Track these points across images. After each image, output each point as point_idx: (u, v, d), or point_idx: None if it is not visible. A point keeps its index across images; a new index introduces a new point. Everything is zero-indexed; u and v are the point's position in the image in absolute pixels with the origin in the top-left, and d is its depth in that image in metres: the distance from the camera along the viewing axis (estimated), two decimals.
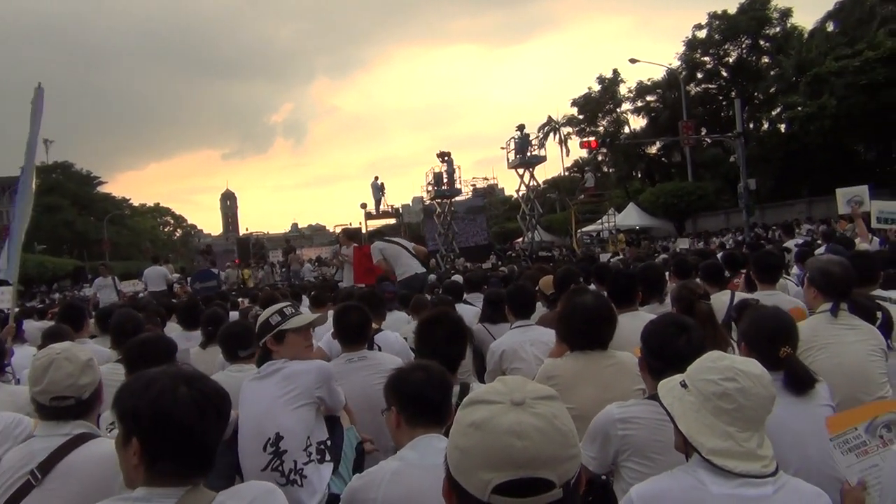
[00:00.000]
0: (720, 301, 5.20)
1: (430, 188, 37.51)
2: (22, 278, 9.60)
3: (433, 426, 2.46)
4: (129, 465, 1.80)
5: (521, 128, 34.15)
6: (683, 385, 1.98)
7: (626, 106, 51.25)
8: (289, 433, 3.30)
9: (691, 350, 2.65)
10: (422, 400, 2.47)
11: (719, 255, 8.98)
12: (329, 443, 3.47)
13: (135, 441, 1.77)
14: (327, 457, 3.42)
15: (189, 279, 16.83)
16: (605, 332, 3.39)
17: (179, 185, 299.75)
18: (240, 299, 11.95)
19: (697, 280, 5.89)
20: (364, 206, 37.48)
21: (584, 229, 37.87)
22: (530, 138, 34.76)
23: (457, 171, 36.90)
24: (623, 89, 50.57)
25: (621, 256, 20.77)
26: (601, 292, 4.22)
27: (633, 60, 38.99)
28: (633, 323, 4.05)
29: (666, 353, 2.65)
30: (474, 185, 44.00)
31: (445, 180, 36.06)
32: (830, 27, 40.26)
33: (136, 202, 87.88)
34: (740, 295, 5.50)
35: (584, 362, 3.33)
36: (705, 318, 3.70)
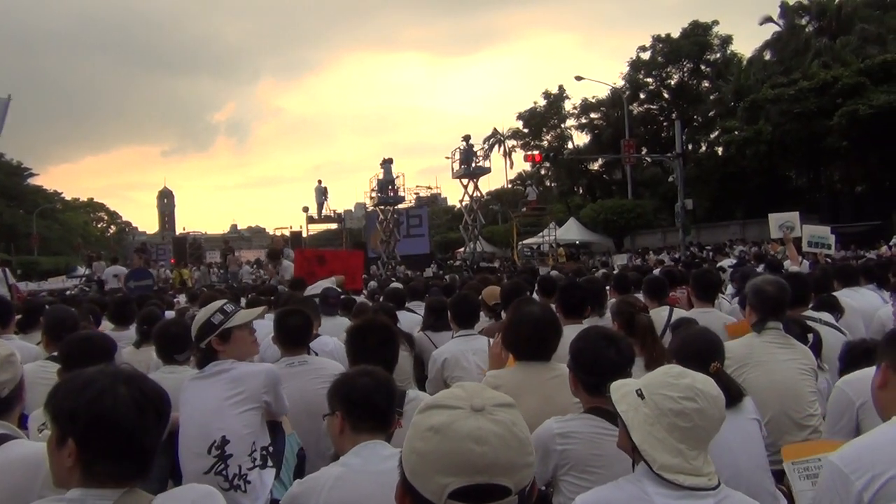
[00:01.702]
0: (659, 316, 5.29)
1: (373, 194, 37.38)
2: None
3: (377, 432, 2.44)
4: (63, 466, 1.73)
5: (466, 138, 34.30)
6: (640, 395, 1.99)
7: (570, 122, 52.21)
8: (235, 437, 3.24)
9: (623, 361, 2.75)
10: (368, 406, 2.45)
11: (656, 272, 9.18)
12: (271, 448, 3.41)
13: (71, 442, 1.70)
14: (269, 462, 3.36)
15: (124, 277, 16.39)
16: (551, 343, 3.41)
17: (115, 180, 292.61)
18: (176, 298, 11.71)
19: (637, 295, 6.00)
20: (306, 209, 37.17)
21: (524, 242, 38.22)
22: (475, 149, 34.96)
23: (400, 178, 36.90)
24: (568, 105, 51.53)
25: (557, 271, 21.02)
26: (547, 304, 4.24)
27: (578, 78, 39.67)
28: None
29: (599, 367, 2.69)
30: (418, 194, 44.04)
31: (389, 187, 36.00)
32: (768, 56, 41.76)
33: (69, 196, 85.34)
34: (678, 311, 5.62)
35: (527, 373, 3.34)
36: (645, 330, 3.78)
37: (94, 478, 1.71)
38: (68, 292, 21.09)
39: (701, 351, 3.10)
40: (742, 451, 2.79)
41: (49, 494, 2.27)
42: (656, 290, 6.11)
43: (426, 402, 1.33)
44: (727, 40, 44.40)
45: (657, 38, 45.65)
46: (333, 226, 43.94)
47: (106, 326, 6.61)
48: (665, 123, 46.39)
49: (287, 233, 42.64)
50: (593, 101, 49.50)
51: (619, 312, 4.20)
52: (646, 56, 46.40)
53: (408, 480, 1.27)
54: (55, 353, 4.30)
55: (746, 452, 2.83)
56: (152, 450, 1.78)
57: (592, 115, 50.44)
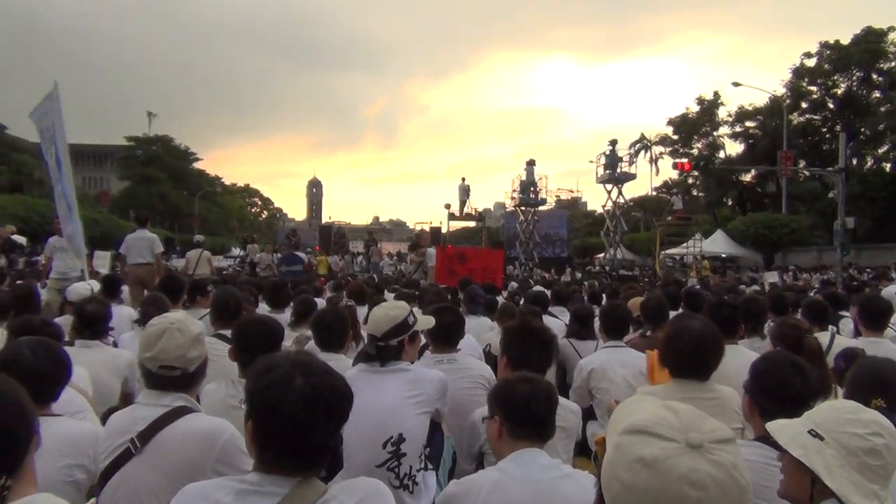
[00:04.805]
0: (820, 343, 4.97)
1: (514, 195, 37.37)
2: (118, 244, 10.01)
3: (535, 440, 2.43)
4: (248, 443, 1.80)
5: (613, 143, 33.70)
6: (816, 436, 1.85)
7: (723, 130, 50.01)
8: (411, 437, 3.26)
9: (808, 392, 2.55)
10: (527, 413, 2.43)
11: (812, 293, 8.63)
12: (428, 450, 3.43)
13: (250, 423, 1.76)
14: (430, 465, 3.40)
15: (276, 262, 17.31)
16: (711, 362, 3.26)
17: (269, 168, 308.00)
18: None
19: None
20: (448, 206, 37.58)
21: (667, 251, 37.02)
22: (620, 154, 34.25)
23: (543, 180, 36.71)
24: (722, 112, 49.39)
25: (704, 285, 20.22)
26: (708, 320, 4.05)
27: (736, 84, 38.06)
28: (733, 358, 3.91)
29: (782, 394, 2.53)
30: (558, 196, 43.73)
31: (531, 189, 35.90)
32: None
33: (227, 181, 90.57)
34: (840, 339, 5.26)
35: (684, 392, 3.21)
36: (814, 355, 3.51)
37: (264, 463, 1.75)
38: (224, 272, 22.42)
39: (884, 383, 2.84)
40: None
41: (223, 469, 2.42)
42: (819, 313, 5.75)
43: (634, 424, 1.22)
44: None
45: (825, 45, 43.00)
46: (472, 224, 44.23)
47: (262, 308, 6.97)
48: (828, 135, 43.73)
49: (427, 227, 43.41)
50: (750, 108, 47.31)
51: (782, 336, 3.92)
52: (811, 63, 43.81)
53: None
54: (221, 332, 4.58)
55: None
56: (322, 446, 1.76)
57: (748, 124, 48.19)
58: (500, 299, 9.17)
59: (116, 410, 3.04)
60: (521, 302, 8.37)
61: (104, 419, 3.14)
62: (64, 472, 2.57)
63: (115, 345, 5.07)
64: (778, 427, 1.96)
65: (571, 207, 52.67)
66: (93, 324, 4.43)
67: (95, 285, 6.95)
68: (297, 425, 1.70)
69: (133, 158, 61.41)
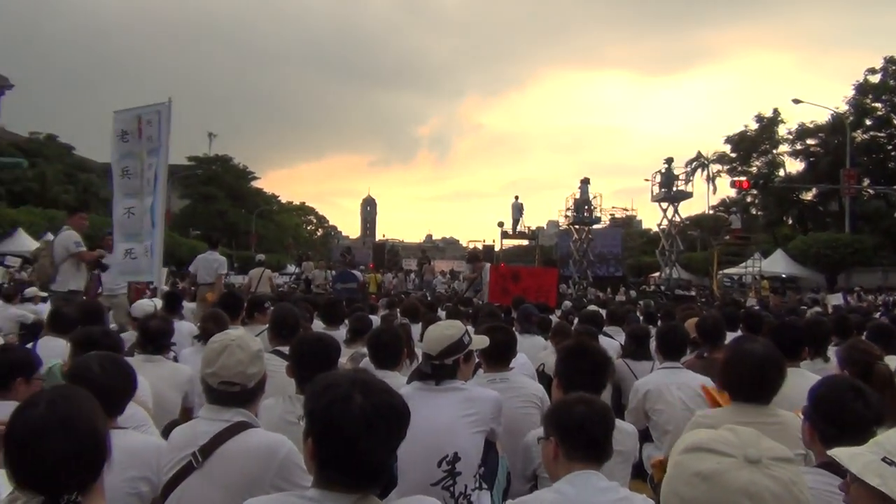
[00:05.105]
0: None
1: (568, 213, 37.16)
2: (176, 261, 10.40)
3: (592, 462, 2.40)
4: (306, 459, 1.83)
5: (669, 161, 33.32)
6: (892, 464, 1.79)
7: (783, 147, 48.89)
8: (466, 456, 3.25)
9: (871, 416, 2.49)
10: (584, 434, 2.41)
11: (878, 315, 8.37)
12: (482, 469, 3.41)
13: (310, 440, 1.78)
14: (484, 485, 3.39)
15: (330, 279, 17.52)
16: (773, 385, 3.18)
17: (324, 186, 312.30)
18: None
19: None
20: (501, 224, 37.58)
21: (725, 271, 36.29)
22: (677, 173, 33.80)
23: (597, 199, 36.46)
24: (782, 130, 48.35)
25: (760, 304, 19.76)
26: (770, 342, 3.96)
27: (796, 101, 37.14)
28: (795, 380, 3.81)
29: (843, 419, 2.46)
30: (613, 215, 43.30)
31: (585, 207, 35.67)
32: None
33: (283, 199, 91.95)
34: None
35: (744, 417, 3.14)
36: (886, 381, 3.40)
37: (324, 480, 1.77)
38: (280, 288, 22.78)
39: None
40: None
41: (281, 484, 2.46)
42: (886, 337, 5.56)
43: (691, 442, 1.24)
44: None
45: (889, 60, 41.84)
46: (525, 242, 44.08)
47: (316, 325, 7.05)
48: (893, 153, 42.43)
49: (480, 245, 43.43)
50: (811, 126, 46.14)
51: (851, 361, 3.80)
52: (875, 79, 42.63)
53: None
54: (278, 348, 4.65)
55: None
56: (380, 464, 1.77)
57: (809, 141, 47.02)
58: (554, 318, 9.12)
59: (176, 424, 3.12)
60: (576, 321, 8.31)
61: (164, 433, 3.22)
62: (129, 485, 2.62)
63: (176, 359, 5.20)
64: (847, 455, 1.88)
65: (626, 226, 52.07)
66: (156, 339, 4.56)
67: (158, 302, 7.14)
68: (356, 443, 1.71)
69: (193, 177, 62.81)
